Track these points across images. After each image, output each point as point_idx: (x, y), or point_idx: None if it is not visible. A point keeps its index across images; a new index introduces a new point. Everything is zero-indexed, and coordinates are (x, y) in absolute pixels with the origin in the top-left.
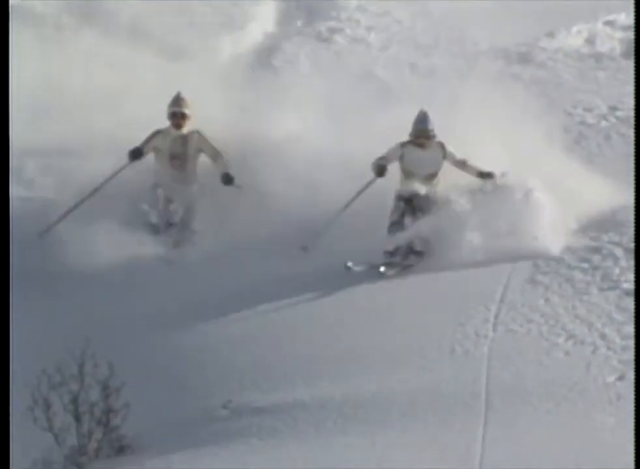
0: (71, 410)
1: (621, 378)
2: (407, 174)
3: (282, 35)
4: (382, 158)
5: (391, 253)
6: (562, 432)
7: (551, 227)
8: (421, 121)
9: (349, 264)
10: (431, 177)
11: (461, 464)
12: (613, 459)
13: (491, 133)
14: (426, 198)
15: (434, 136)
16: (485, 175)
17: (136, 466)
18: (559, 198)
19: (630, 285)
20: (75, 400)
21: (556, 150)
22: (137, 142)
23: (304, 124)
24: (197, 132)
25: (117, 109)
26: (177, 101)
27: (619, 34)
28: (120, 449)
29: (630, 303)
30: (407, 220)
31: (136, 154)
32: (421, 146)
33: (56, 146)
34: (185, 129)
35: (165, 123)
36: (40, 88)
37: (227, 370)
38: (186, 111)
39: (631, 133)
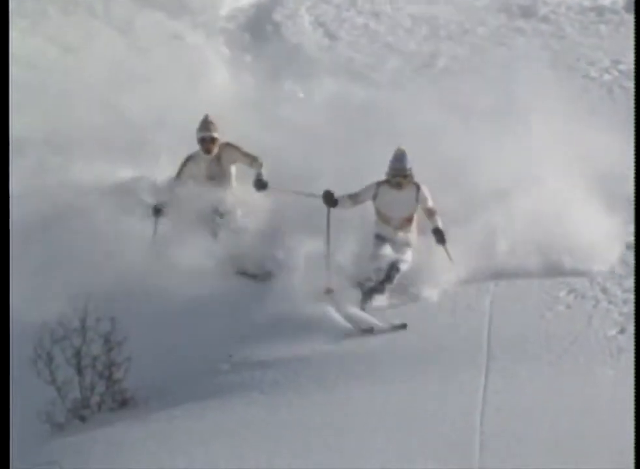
0: (73, 364)
1: (622, 331)
2: (381, 217)
3: None
4: (353, 195)
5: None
6: (562, 384)
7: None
8: (399, 159)
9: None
10: (406, 222)
11: (463, 415)
12: (612, 411)
13: (495, 88)
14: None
15: (411, 175)
16: (439, 236)
17: (139, 418)
18: (560, 150)
19: (632, 238)
20: (77, 354)
21: (558, 103)
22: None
23: (304, 84)
24: (227, 144)
25: (118, 68)
26: (206, 125)
27: None
28: (123, 402)
29: (632, 256)
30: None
31: (158, 211)
32: (397, 186)
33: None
34: (215, 150)
35: (167, 95)
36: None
37: (228, 324)
38: (215, 135)
39: (632, 86)
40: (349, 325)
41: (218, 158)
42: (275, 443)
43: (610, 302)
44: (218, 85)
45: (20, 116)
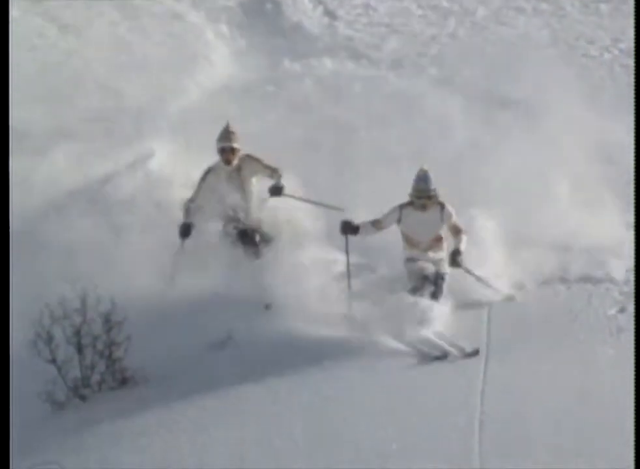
0: (74, 343)
1: (622, 310)
2: (409, 241)
3: None
4: (376, 221)
5: None
6: (563, 365)
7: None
8: (422, 180)
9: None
10: (435, 243)
11: (464, 396)
12: (613, 390)
13: (495, 68)
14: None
15: (435, 196)
16: (453, 259)
17: (139, 397)
18: (561, 131)
19: (632, 218)
20: (77, 333)
21: (558, 83)
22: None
23: (304, 62)
24: (247, 156)
25: (118, 48)
26: (226, 135)
27: None
28: (123, 381)
29: (632, 236)
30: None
31: (186, 231)
32: (422, 208)
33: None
34: (235, 160)
35: (167, 74)
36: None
37: (228, 303)
38: (235, 145)
39: (633, 65)
40: (414, 352)
41: (238, 169)
42: (275, 423)
43: (610, 281)
44: (218, 63)
45: (19, 98)
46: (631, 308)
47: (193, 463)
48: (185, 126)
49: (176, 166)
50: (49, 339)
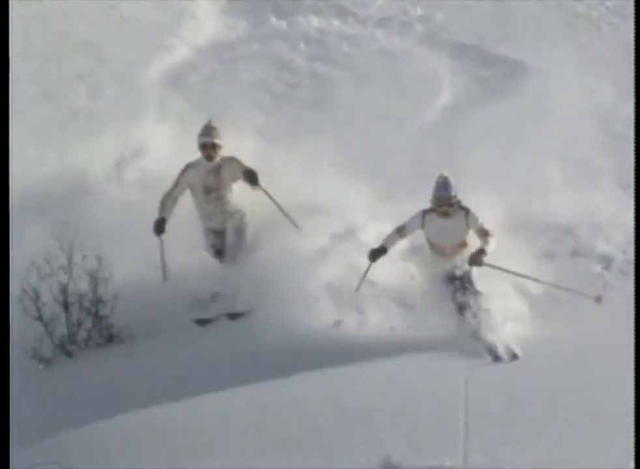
0: (60, 300)
1: (607, 267)
2: (434, 247)
3: None
4: (400, 228)
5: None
6: (547, 322)
7: None
8: (442, 187)
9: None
10: (460, 248)
11: (448, 368)
12: (601, 347)
13: (482, 24)
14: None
15: (457, 202)
16: (473, 258)
17: (126, 354)
18: (547, 86)
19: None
20: (64, 291)
21: (544, 40)
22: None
23: (290, 20)
24: (231, 158)
25: (105, 10)
26: (207, 130)
27: None
28: (110, 339)
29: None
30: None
31: (159, 227)
32: (444, 215)
33: None
34: (217, 159)
35: (153, 34)
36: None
37: (215, 263)
38: (217, 141)
39: (620, 23)
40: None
41: (218, 169)
42: (260, 379)
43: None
44: (204, 20)
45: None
46: (615, 265)
47: (181, 423)
48: (172, 83)
49: (171, 157)
50: (36, 297)
